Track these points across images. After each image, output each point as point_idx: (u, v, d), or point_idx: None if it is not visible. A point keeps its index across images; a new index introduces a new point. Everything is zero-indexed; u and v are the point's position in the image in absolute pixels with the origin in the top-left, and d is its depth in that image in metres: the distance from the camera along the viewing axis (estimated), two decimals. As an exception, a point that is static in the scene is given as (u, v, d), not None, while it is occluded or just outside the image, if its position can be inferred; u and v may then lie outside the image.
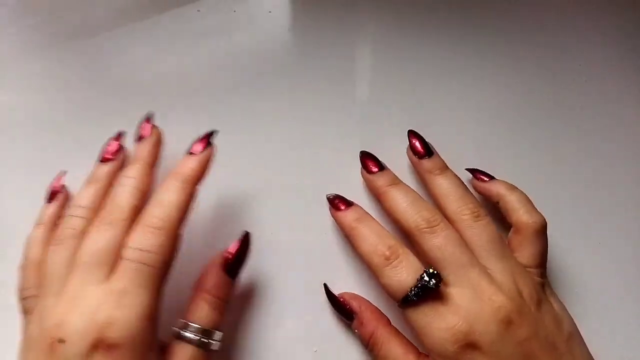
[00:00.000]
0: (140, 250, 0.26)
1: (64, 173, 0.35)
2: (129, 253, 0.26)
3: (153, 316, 0.26)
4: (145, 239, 0.26)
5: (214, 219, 0.38)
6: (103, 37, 0.44)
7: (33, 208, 0.33)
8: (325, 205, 0.36)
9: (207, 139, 0.32)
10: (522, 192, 0.34)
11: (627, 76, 0.46)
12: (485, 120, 0.43)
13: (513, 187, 0.35)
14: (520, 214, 0.33)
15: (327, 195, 0.36)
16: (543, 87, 0.45)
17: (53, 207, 0.33)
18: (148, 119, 0.34)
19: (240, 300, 0.35)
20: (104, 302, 0.24)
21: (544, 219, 0.33)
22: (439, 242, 0.30)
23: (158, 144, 0.33)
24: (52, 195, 0.34)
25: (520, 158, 0.42)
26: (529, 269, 0.32)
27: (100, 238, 0.26)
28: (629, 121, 0.44)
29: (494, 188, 0.35)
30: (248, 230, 0.32)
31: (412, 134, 0.37)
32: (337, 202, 0.35)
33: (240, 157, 0.40)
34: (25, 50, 0.43)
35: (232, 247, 0.31)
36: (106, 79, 0.43)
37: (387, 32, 0.45)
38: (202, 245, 0.36)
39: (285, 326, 0.35)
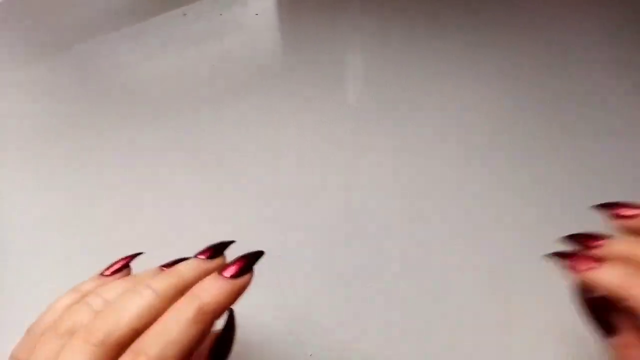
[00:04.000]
0: None
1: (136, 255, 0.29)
2: None
3: None
4: None
5: (202, 222, 0.37)
6: (91, 43, 0.44)
7: (27, 213, 0.33)
8: (315, 205, 0.36)
9: (248, 262, 0.24)
10: None
11: (626, 76, 0.46)
12: (477, 121, 0.43)
13: None
14: None
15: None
16: (537, 87, 0.45)
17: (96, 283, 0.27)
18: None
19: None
20: None
21: None
22: None
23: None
24: (114, 270, 0.27)
25: (514, 158, 0.42)
26: None
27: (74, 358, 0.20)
28: (628, 120, 0.44)
29: None
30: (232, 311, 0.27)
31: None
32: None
33: (230, 159, 0.40)
34: (14, 57, 0.43)
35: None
36: (95, 84, 0.42)
37: (376, 33, 0.46)
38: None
39: (280, 330, 0.35)
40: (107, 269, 0.27)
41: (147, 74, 0.43)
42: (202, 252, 0.25)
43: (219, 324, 0.25)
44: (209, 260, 0.24)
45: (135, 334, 0.21)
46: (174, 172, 0.39)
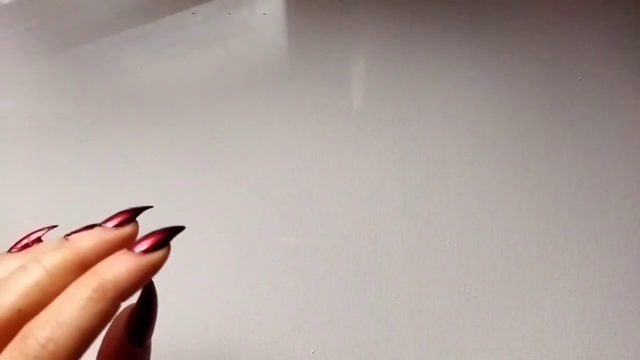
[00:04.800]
0: None
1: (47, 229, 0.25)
2: None
3: None
4: None
5: (205, 223, 0.38)
6: (99, 43, 0.44)
7: (31, 211, 0.34)
8: (318, 205, 0.36)
9: (164, 236, 0.21)
10: None
11: (625, 76, 0.45)
12: (481, 123, 0.43)
13: None
14: None
15: None
16: (539, 90, 0.44)
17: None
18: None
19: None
20: None
21: None
22: None
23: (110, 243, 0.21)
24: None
25: (517, 158, 0.42)
26: None
27: None
28: (627, 120, 0.44)
29: None
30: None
31: None
32: None
33: (234, 159, 0.40)
34: (21, 57, 0.44)
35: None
36: (103, 85, 0.43)
37: (383, 36, 0.45)
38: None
39: (283, 327, 0.36)
40: (16, 244, 0.23)
41: (154, 73, 0.43)
42: (109, 219, 0.21)
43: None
44: (114, 229, 0.20)
45: (22, 316, 0.18)
46: (179, 172, 0.40)
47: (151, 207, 0.22)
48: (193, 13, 0.46)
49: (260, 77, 0.43)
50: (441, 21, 0.47)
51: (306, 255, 0.37)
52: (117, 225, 0.21)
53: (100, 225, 0.21)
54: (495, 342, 0.34)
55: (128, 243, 0.20)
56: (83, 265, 0.19)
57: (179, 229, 0.21)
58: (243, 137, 0.41)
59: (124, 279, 0.18)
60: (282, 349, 0.35)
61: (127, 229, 0.21)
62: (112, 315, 0.18)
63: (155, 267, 0.20)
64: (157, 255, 0.20)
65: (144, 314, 0.22)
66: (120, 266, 0.19)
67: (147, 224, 0.37)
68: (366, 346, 0.34)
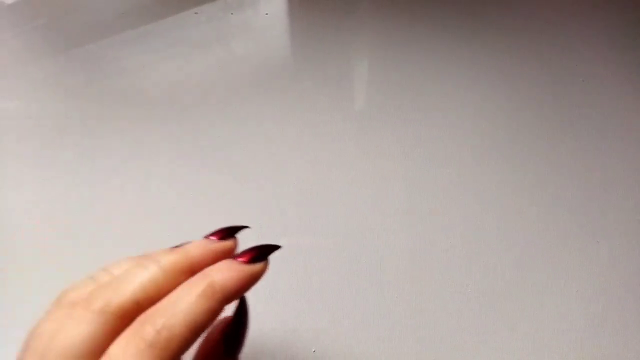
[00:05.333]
0: None
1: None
2: None
3: None
4: (124, 355, 0.18)
5: (207, 224, 0.38)
6: (101, 44, 0.45)
7: (34, 210, 0.34)
8: (320, 206, 0.37)
9: (262, 251, 0.24)
10: None
11: (625, 76, 0.46)
12: (482, 122, 0.43)
13: None
14: None
15: None
16: (541, 90, 0.45)
17: None
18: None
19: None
20: None
21: None
22: None
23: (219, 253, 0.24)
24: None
25: (519, 159, 0.42)
26: None
27: (78, 329, 0.19)
28: (627, 120, 0.44)
29: None
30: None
31: None
32: None
33: (237, 160, 0.40)
34: (25, 57, 0.44)
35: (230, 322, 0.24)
36: (106, 84, 0.43)
37: (384, 35, 0.46)
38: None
39: (284, 327, 0.35)
40: (213, 234, 0.26)
41: (156, 74, 0.44)
42: (213, 234, 0.24)
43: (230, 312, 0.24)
44: (218, 241, 0.24)
45: (139, 307, 0.20)
46: (180, 173, 0.40)
47: (248, 227, 0.25)
48: (196, 13, 0.46)
49: (262, 77, 0.43)
50: (442, 21, 0.47)
51: (307, 255, 0.37)
52: (220, 239, 0.24)
53: (206, 237, 0.24)
54: (496, 342, 0.34)
55: (230, 254, 0.23)
56: (192, 269, 0.22)
57: (276, 247, 0.24)
58: (245, 136, 0.41)
59: (230, 283, 0.21)
60: (283, 348, 0.35)
61: (230, 242, 0.24)
62: (218, 314, 0.21)
63: (256, 276, 0.23)
64: (258, 266, 0.23)
65: (238, 329, 0.24)
66: (227, 272, 0.21)
67: (150, 223, 0.37)
68: (367, 345, 0.34)
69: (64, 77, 0.44)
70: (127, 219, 0.38)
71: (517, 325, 0.35)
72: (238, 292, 0.22)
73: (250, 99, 0.43)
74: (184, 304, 0.20)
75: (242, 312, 0.25)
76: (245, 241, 0.24)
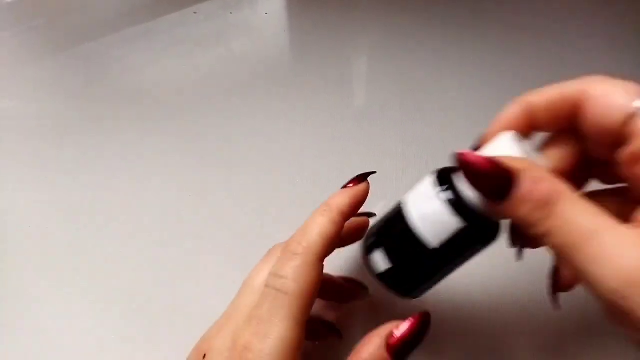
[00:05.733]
0: (276, 276, 0.25)
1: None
2: (268, 280, 0.26)
3: (289, 349, 0.24)
4: (281, 265, 0.25)
5: (208, 222, 0.38)
6: (101, 42, 0.45)
7: (35, 209, 0.34)
8: (320, 204, 0.36)
9: (363, 177, 0.31)
10: None
11: (626, 75, 0.45)
12: (483, 122, 0.43)
13: None
14: None
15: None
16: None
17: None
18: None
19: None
20: (244, 328, 0.25)
21: None
22: None
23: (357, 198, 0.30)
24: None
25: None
26: None
27: (261, 266, 0.28)
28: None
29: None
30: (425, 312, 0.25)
31: None
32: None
33: (236, 159, 0.40)
34: (24, 56, 0.44)
35: (402, 329, 0.25)
36: (105, 83, 0.43)
37: (385, 33, 0.45)
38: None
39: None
40: (349, 182, 0.31)
41: (156, 73, 0.44)
42: (349, 182, 0.31)
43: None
44: (355, 187, 0.30)
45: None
46: (180, 172, 0.40)
47: (375, 172, 0.31)
48: (195, 12, 0.46)
49: (261, 77, 0.43)
50: (442, 20, 0.47)
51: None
52: (356, 185, 0.30)
53: (345, 186, 0.30)
54: (496, 342, 0.34)
55: (366, 194, 0.30)
56: (343, 215, 0.28)
57: (371, 172, 0.31)
58: (244, 136, 0.41)
59: (339, 200, 0.28)
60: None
61: (364, 184, 0.30)
62: (337, 224, 0.27)
63: (360, 194, 0.29)
64: (361, 186, 0.30)
65: (413, 342, 0.25)
66: (339, 194, 0.29)
67: (150, 223, 0.37)
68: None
69: (63, 75, 0.44)
70: (127, 218, 0.38)
71: (517, 324, 0.34)
72: (347, 207, 0.28)
73: (249, 98, 0.43)
74: (311, 223, 0.27)
75: (424, 328, 0.25)
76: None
